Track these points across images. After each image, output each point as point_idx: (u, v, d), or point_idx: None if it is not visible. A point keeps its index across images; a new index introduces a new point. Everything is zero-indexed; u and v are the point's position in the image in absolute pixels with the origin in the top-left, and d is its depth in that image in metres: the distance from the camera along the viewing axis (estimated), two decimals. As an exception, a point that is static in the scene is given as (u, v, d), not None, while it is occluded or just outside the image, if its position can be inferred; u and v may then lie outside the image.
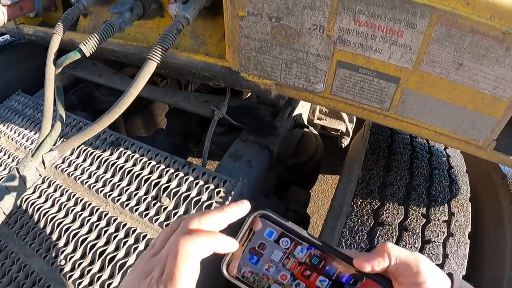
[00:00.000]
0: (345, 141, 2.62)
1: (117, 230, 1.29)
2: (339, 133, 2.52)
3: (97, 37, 1.23)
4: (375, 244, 1.13)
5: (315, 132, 2.08)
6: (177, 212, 1.28)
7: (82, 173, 1.49)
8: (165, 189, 1.36)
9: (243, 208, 0.64)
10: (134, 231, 1.26)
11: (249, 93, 2.46)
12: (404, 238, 1.14)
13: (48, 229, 1.34)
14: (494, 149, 1.03)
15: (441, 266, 1.11)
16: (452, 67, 0.92)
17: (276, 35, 1.07)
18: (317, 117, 2.28)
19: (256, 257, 0.66)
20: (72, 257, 1.25)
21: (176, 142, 2.01)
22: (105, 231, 1.28)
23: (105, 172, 1.47)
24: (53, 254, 1.28)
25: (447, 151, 1.48)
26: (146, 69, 1.13)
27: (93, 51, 1.26)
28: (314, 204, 3.50)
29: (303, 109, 2.05)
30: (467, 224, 1.23)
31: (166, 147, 1.92)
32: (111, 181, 1.43)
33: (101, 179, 1.44)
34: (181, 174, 1.38)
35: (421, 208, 1.21)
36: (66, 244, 1.29)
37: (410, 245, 1.12)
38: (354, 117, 2.54)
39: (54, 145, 1.34)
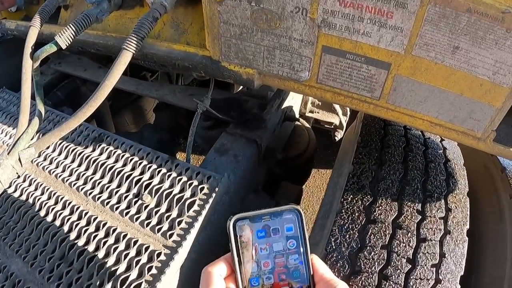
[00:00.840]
0: (339, 135, 2.53)
1: (97, 229, 1.20)
2: (332, 126, 2.44)
3: (73, 28, 1.16)
4: (367, 243, 1.05)
5: (307, 125, 2.01)
6: (158, 210, 1.20)
7: (63, 171, 1.41)
8: (147, 186, 1.28)
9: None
10: (114, 230, 1.18)
11: (240, 87, 2.39)
12: (398, 236, 1.06)
13: (28, 230, 1.27)
14: (493, 140, 0.96)
15: (438, 265, 1.03)
16: (448, 50, 0.84)
17: (256, 20, 0.98)
18: (309, 110, 2.20)
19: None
20: (52, 257, 1.17)
21: (163, 137, 1.95)
22: (85, 231, 1.20)
23: (87, 169, 1.39)
24: (33, 255, 1.20)
25: (444, 143, 1.40)
26: (121, 59, 1.06)
27: (69, 42, 1.20)
28: (309, 199, 3.45)
29: (293, 101, 1.96)
30: (465, 220, 1.16)
31: (154, 143, 1.88)
32: (92, 178, 1.35)
33: (82, 176, 1.36)
34: (164, 170, 1.31)
35: (416, 204, 1.13)
36: (45, 245, 1.21)
37: (404, 244, 1.05)
38: (348, 110, 2.48)
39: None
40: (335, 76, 1.00)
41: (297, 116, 2.02)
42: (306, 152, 1.88)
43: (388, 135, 1.34)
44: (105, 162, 1.39)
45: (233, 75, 1.15)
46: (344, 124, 2.47)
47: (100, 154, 1.43)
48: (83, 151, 1.45)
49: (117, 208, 1.24)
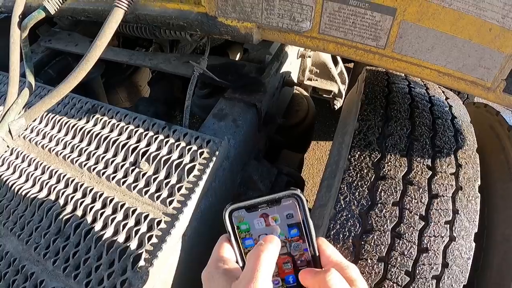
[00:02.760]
0: (338, 103, 2.48)
1: (93, 201, 1.15)
2: (331, 95, 2.38)
3: (61, -8, 1.09)
4: (378, 200, 0.99)
5: (305, 93, 1.94)
6: (157, 177, 1.14)
7: (56, 144, 1.34)
8: (144, 153, 1.22)
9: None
10: (111, 200, 1.13)
11: (237, 55, 2.32)
12: (409, 192, 1.00)
13: (22, 207, 1.21)
14: (503, 91, 0.89)
15: (452, 222, 0.98)
16: (456, -8, 0.78)
17: (254, -34, 0.91)
18: (308, 78, 2.13)
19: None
20: (47, 233, 1.12)
21: (159, 110, 1.88)
22: (81, 203, 1.15)
23: (81, 141, 1.33)
24: (28, 232, 1.14)
25: (449, 101, 1.33)
26: (112, 17, 1.02)
27: (58, 8, 1.13)
28: (308, 171, 3.41)
29: (292, 67, 1.88)
30: (477, 176, 1.09)
31: (149, 116, 1.79)
32: (86, 149, 1.29)
33: (76, 148, 1.30)
34: (161, 137, 1.24)
35: (426, 160, 1.07)
36: (40, 220, 1.15)
37: (416, 200, 0.98)
38: (346, 77, 2.41)
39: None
40: (338, 25, 0.93)
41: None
42: (305, 119, 1.82)
43: (392, 93, 1.27)
44: (99, 133, 1.33)
45: (230, 30, 1.07)
46: (343, 92, 2.41)
47: (95, 125, 1.37)
48: (76, 123, 1.38)
49: (113, 178, 1.18)
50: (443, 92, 1.41)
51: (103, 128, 1.35)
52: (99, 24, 1.35)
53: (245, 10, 1.00)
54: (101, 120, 1.37)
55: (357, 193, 1.01)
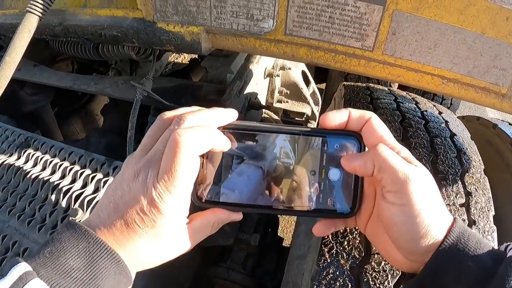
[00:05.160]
0: (312, 126, 2.24)
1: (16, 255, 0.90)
2: (304, 117, 2.18)
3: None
4: (374, 249, 0.75)
5: (276, 117, 1.72)
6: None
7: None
8: (78, 197, 1.01)
9: (232, 112, 0.57)
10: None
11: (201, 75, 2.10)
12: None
13: None
14: (523, 98, 0.71)
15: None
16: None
17: None
18: (277, 100, 1.91)
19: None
20: None
21: (113, 141, 1.64)
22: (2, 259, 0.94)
23: (9, 181, 1.13)
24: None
25: (443, 116, 1.12)
26: (24, 26, 0.82)
27: None
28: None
29: (258, 88, 1.66)
30: (490, 205, 0.88)
31: (101, 148, 1.61)
32: (14, 192, 1.10)
33: (2, 190, 1.11)
34: (99, 176, 1.03)
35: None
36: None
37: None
38: (320, 99, 2.21)
39: None
40: (311, 21, 0.70)
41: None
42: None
43: (378, 110, 1.05)
44: (30, 171, 1.13)
45: (173, 38, 0.83)
46: (317, 114, 2.22)
47: (26, 161, 1.19)
48: (6, 160, 1.20)
49: (40, 228, 0.98)
50: (434, 105, 1.20)
51: (35, 165, 1.16)
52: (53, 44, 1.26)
53: (189, 10, 0.76)
54: (33, 155, 1.18)
55: (346, 242, 0.77)
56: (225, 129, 0.57)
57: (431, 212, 0.51)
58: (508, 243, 0.53)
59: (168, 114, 0.56)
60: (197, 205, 0.58)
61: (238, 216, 0.60)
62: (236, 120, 0.58)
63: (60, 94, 1.97)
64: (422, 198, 0.51)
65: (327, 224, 0.62)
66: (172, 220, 0.51)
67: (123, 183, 0.51)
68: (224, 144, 0.55)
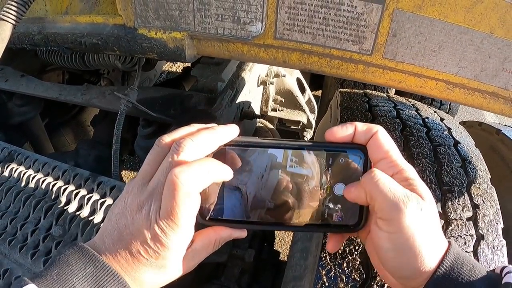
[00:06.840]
0: (308, 135, 2.25)
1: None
2: (300, 126, 2.13)
3: None
4: (376, 271, 0.68)
5: (270, 126, 1.66)
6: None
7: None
8: (60, 215, 0.96)
9: (233, 129, 0.55)
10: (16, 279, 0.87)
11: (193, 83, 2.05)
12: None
13: None
14: (533, 104, 0.66)
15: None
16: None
17: None
18: (272, 108, 1.86)
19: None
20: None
21: (102, 153, 1.59)
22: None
23: None
24: None
25: (445, 123, 1.06)
26: None
27: None
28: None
29: (251, 96, 1.60)
30: (498, 217, 0.83)
31: (91, 161, 1.55)
32: None
33: None
34: (83, 192, 0.99)
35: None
36: None
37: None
38: (315, 106, 2.15)
39: None
40: (303, 23, 0.64)
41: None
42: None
43: (377, 118, 0.98)
44: (12, 187, 1.09)
45: (155, 45, 0.77)
46: (313, 122, 2.18)
47: (9, 176, 1.14)
48: None
49: (22, 248, 0.93)
50: (435, 112, 1.14)
51: (18, 180, 1.11)
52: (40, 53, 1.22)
53: (171, 14, 0.70)
54: (16, 170, 1.14)
55: (345, 264, 0.70)
56: (227, 146, 0.56)
57: (423, 241, 0.50)
58: (506, 265, 0.52)
59: (166, 139, 0.54)
60: (200, 223, 0.56)
61: (242, 233, 0.59)
62: (238, 136, 0.57)
63: (51, 105, 1.92)
64: (412, 228, 0.49)
65: (338, 238, 0.61)
66: (176, 251, 0.50)
67: (126, 213, 0.51)
68: (225, 174, 0.54)
